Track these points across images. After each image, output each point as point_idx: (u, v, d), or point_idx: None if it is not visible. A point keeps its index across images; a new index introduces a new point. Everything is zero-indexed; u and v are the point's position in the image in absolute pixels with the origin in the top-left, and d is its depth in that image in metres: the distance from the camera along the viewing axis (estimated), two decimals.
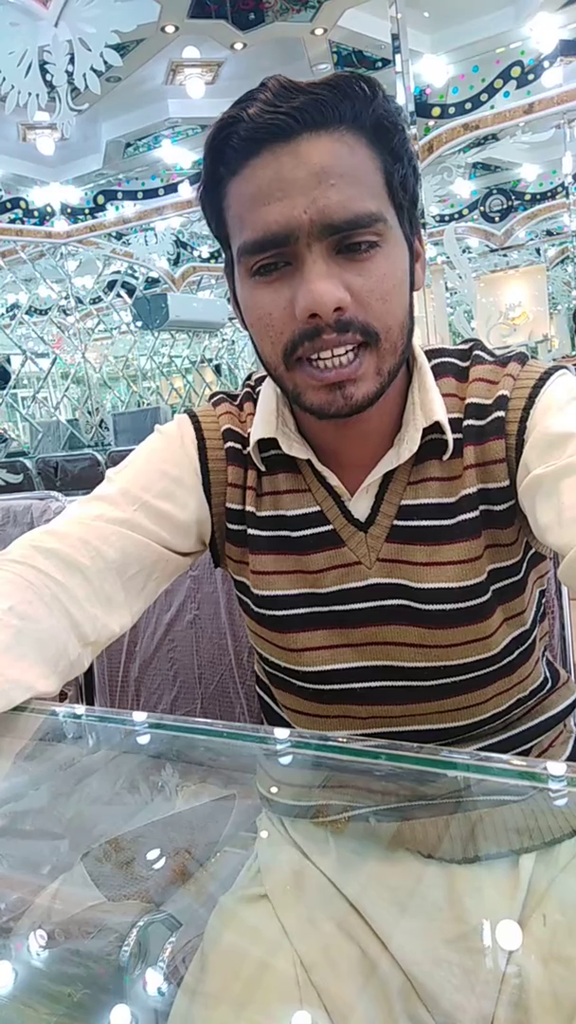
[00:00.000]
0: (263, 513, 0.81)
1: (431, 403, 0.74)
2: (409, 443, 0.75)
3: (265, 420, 0.80)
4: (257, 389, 0.85)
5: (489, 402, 0.74)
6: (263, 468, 0.81)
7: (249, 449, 0.81)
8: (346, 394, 0.68)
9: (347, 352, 0.67)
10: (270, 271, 0.67)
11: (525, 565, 0.79)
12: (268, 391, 0.82)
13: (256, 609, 0.81)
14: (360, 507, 0.77)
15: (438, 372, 0.78)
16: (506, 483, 0.74)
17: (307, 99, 0.63)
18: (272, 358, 0.70)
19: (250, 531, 0.81)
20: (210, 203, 0.72)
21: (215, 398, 0.88)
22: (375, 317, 0.67)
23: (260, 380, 0.86)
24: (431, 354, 0.80)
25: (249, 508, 0.81)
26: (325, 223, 0.64)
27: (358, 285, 0.66)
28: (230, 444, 0.83)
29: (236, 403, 0.87)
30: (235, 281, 0.74)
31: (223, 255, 0.77)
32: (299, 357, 0.68)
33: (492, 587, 0.76)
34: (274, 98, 0.64)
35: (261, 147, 0.65)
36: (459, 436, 0.75)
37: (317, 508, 0.79)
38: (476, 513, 0.74)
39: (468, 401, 0.75)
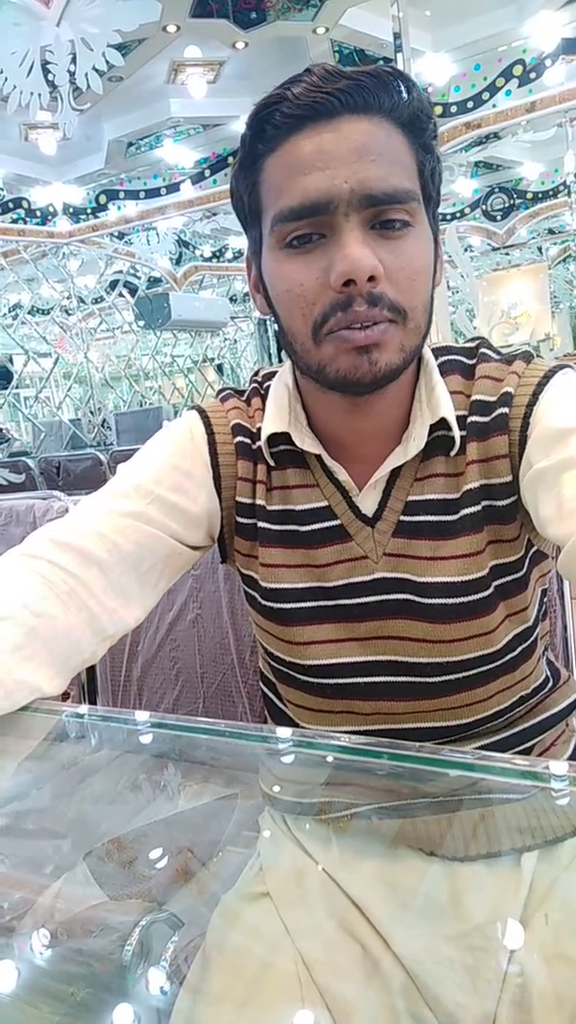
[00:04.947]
0: (273, 507, 0.81)
1: (437, 400, 0.75)
2: (417, 439, 0.75)
3: (277, 415, 0.81)
4: (265, 385, 0.86)
5: (494, 399, 0.75)
6: (272, 463, 0.82)
7: (259, 444, 0.82)
8: (372, 359, 0.68)
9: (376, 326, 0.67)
10: (304, 242, 0.68)
11: (527, 562, 0.79)
12: (279, 386, 0.83)
13: (263, 602, 0.82)
14: (367, 502, 0.78)
15: (445, 369, 0.79)
16: (509, 478, 0.74)
17: (350, 83, 0.65)
18: (300, 332, 0.70)
19: (260, 524, 0.82)
20: (244, 179, 0.73)
21: (222, 394, 0.89)
22: (403, 294, 0.68)
23: (268, 376, 0.87)
24: (438, 352, 0.80)
25: (259, 502, 0.82)
26: (364, 193, 0.65)
27: (389, 262, 0.67)
28: (239, 439, 0.83)
29: (244, 398, 0.87)
30: (262, 259, 0.74)
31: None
32: (329, 330, 0.68)
33: (494, 583, 0.76)
34: (319, 80, 0.66)
35: (303, 123, 0.66)
36: (464, 433, 0.75)
37: (325, 503, 0.79)
38: (478, 508, 0.75)
39: (474, 398, 0.76)
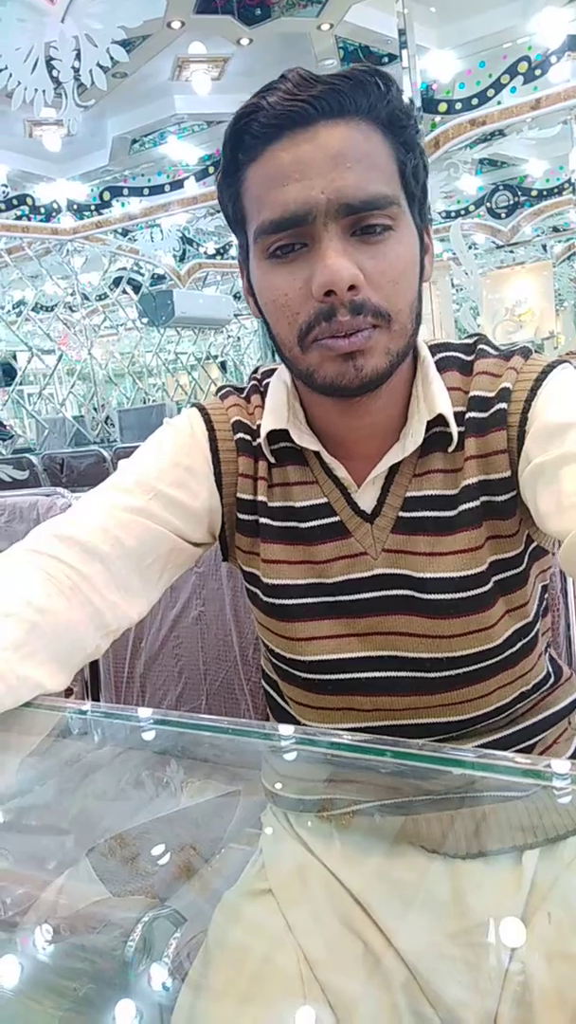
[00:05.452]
0: (274, 504, 0.82)
1: (434, 396, 0.75)
2: (414, 436, 0.76)
3: (276, 412, 0.81)
4: (264, 382, 0.86)
5: (492, 395, 0.75)
6: (273, 459, 0.82)
7: (259, 440, 0.82)
8: (357, 365, 0.69)
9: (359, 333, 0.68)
10: (287, 252, 0.69)
11: (527, 558, 0.79)
12: (278, 384, 0.83)
13: (265, 599, 0.82)
14: (366, 499, 0.78)
15: (442, 366, 0.79)
16: (507, 473, 0.74)
17: (325, 89, 0.65)
18: (287, 339, 0.71)
19: (261, 520, 0.82)
20: (228, 189, 0.73)
21: (222, 391, 0.89)
22: (386, 298, 0.68)
23: (267, 373, 0.87)
24: (436, 348, 0.81)
25: (260, 498, 0.82)
26: (342, 203, 0.65)
27: (370, 267, 0.67)
28: (240, 435, 0.84)
29: (243, 396, 0.88)
30: (250, 266, 0.75)
31: (236, 246, 0.78)
32: (314, 339, 0.69)
33: (493, 578, 0.76)
34: (294, 88, 0.66)
35: (280, 133, 0.66)
36: (462, 429, 0.76)
37: (324, 500, 0.80)
38: (477, 503, 0.75)
39: (472, 394, 0.76)
